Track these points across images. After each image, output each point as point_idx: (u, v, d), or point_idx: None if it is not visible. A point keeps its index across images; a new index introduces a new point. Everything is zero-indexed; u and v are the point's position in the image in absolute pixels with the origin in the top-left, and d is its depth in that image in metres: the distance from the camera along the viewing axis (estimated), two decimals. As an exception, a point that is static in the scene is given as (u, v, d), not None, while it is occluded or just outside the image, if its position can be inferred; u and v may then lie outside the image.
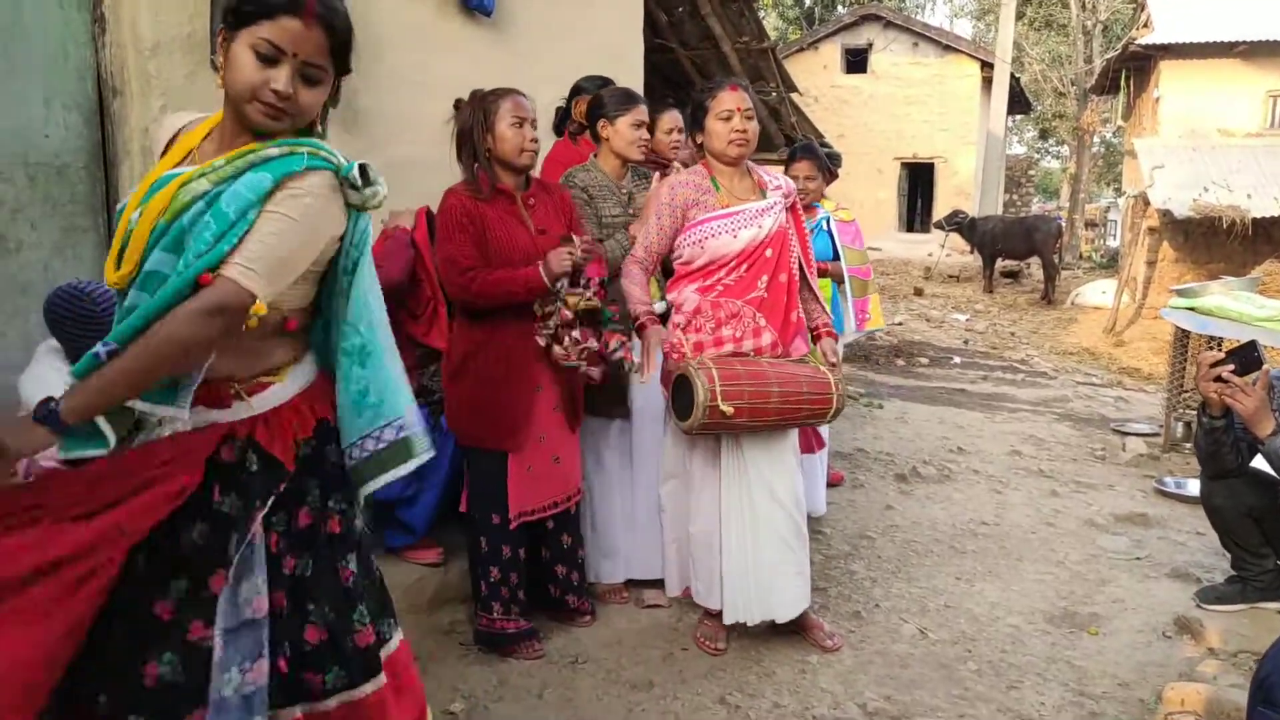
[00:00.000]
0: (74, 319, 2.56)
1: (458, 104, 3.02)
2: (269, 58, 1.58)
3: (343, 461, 1.78)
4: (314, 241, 1.67)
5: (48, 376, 2.50)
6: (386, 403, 1.76)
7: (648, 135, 3.46)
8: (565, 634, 3.25)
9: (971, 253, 16.64)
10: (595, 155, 3.52)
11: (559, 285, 2.86)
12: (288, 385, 1.74)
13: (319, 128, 1.73)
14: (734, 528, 3.05)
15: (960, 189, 21.32)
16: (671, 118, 3.73)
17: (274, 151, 1.61)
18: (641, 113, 3.43)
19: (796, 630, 3.25)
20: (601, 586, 3.53)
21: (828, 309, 3.37)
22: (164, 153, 1.74)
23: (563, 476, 3.13)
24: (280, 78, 1.58)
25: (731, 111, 2.99)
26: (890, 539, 4.32)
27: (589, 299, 2.92)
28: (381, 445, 1.76)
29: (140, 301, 1.56)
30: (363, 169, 1.69)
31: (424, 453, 1.80)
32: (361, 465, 1.77)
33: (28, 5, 3.15)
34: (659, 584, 3.49)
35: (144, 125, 3.32)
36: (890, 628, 3.40)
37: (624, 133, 3.40)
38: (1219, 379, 3.01)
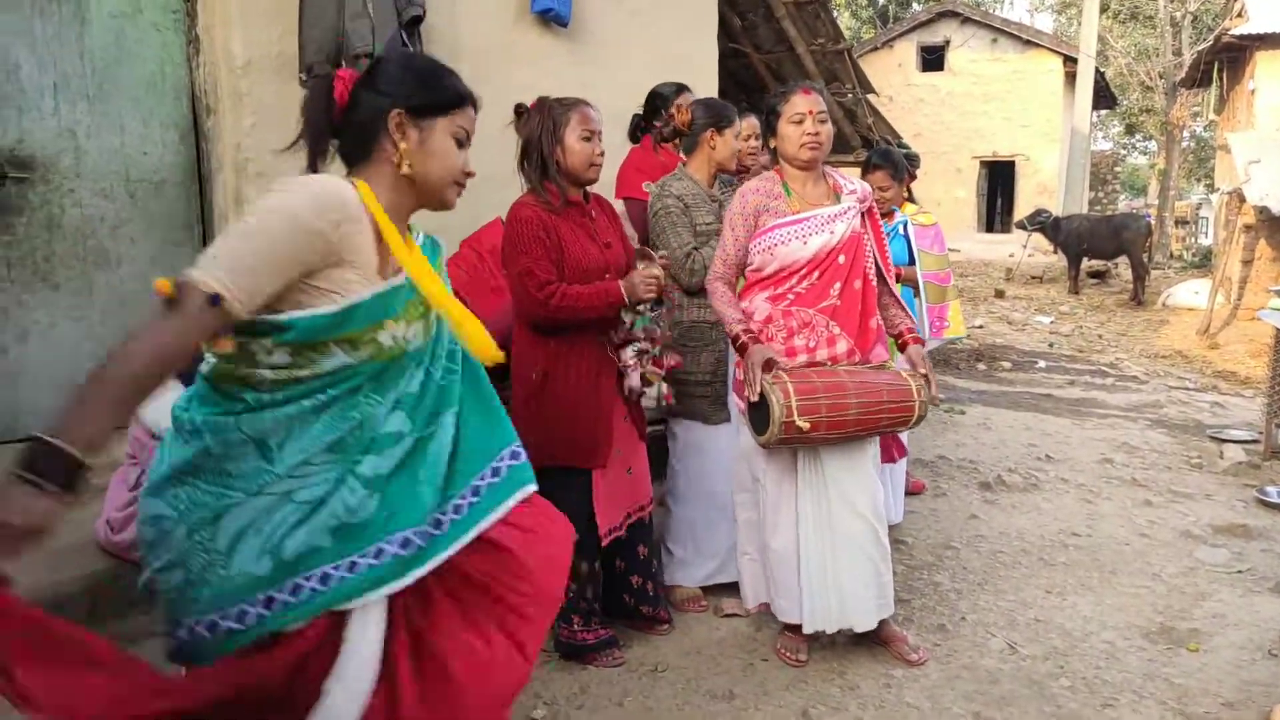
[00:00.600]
0: None
1: (519, 110, 2.93)
2: (462, 143, 1.73)
3: None
4: None
5: (163, 400, 2.59)
6: None
7: (756, 147, 3.48)
8: (645, 642, 3.25)
9: (1055, 253, 16.17)
10: (684, 164, 3.53)
11: (640, 307, 2.87)
12: None
13: None
14: (812, 540, 3.01)
15: (1043, 187, 20.76)
16: (749, 124, 3.71)
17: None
18: (752, 125, 3.46)
19: (880, 643, 3.19)
20: (679, 594, 3.52)
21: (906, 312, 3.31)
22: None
23: (636, 487, 3.13)
24: (468, 159, 1.74)
25: (803, 115, 2.95)
26: (975, 550, 4.21)
27: (658, 321, 2.95)
28: None
29: None
30: None
31: None
32: None
33: (129, 30, 3.29)
34: (738, 589, 3.46)
35: (236, 141, 3.45)
36: (977, 641, 3.31)
37: (731, 144, 3.42)
38: None
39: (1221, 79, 16.13)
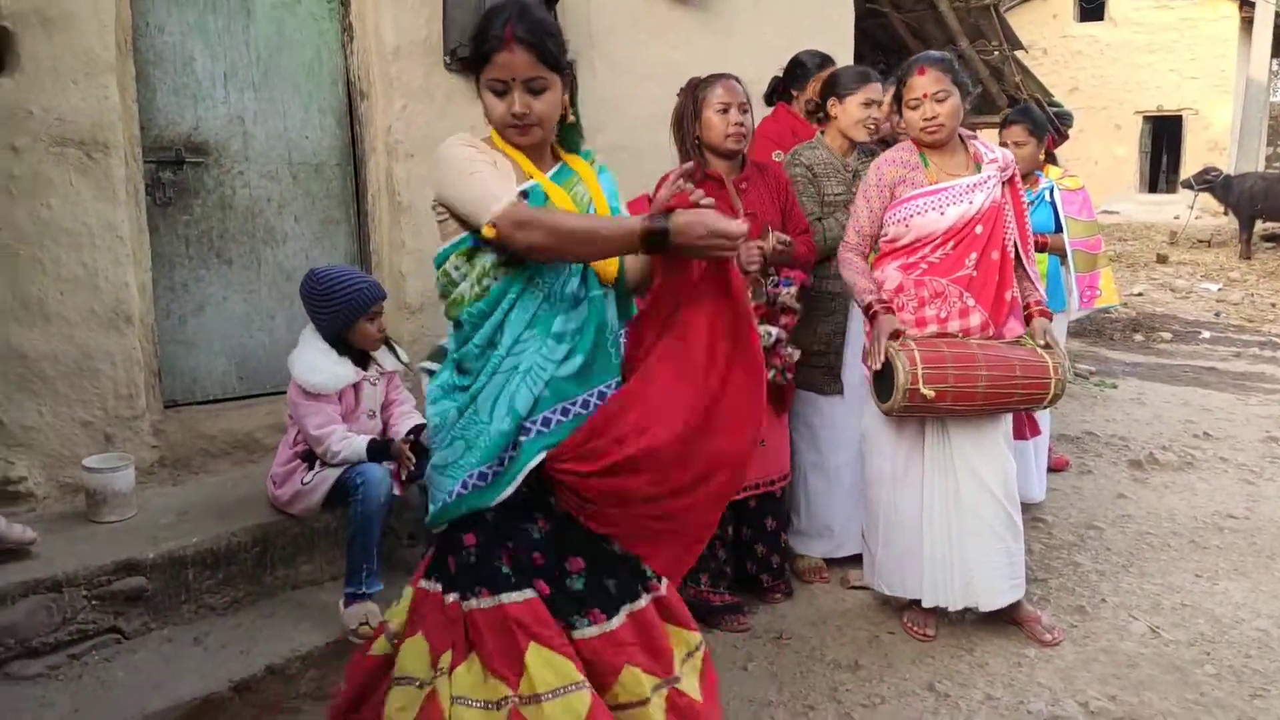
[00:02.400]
0: (309, 297, 2.88)
1: (680, 93, 3.10)
2: (501, 91, 1.83)
3: None
4: None
5: (314, 359, 2.82)
6: None
7: (878, 116, 3.42)
8: (770, 611, 3.30)
9: (1225, 214, 15.03)
10: (822, 133, 3.52)
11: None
12: None
13: (570, 118, 1.98)
14: (938, 514, 2.99)
15: (1213, 143, 19.27)
16: (875, 90, 3.51)
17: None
18: (873, 91, 3.41)
19: (1012, 622, 3.14)
20: (803, 564, 3.56)
21: (1042, 285, 3.20)
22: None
23: (768, 459, 3.17)
24: (514, 102, 1.83)
25: (919, 100, 2.90)
26: (1121, 530, 4.06)
27: (785, 297, 2.97)
28: None
29: None
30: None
31: None
32: None
33: (288, 20, 3.52)
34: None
35: (387, 124, 3.64)
36: (1118, 625, 3.22)
37: (852, 112, 3.39)
38: None
39: None
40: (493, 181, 1.77)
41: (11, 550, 2.59)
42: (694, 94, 2.98)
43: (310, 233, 3.64)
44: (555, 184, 1.89)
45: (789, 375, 3.15)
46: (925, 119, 2.89)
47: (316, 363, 2.81)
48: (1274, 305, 11.00)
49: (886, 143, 3.68)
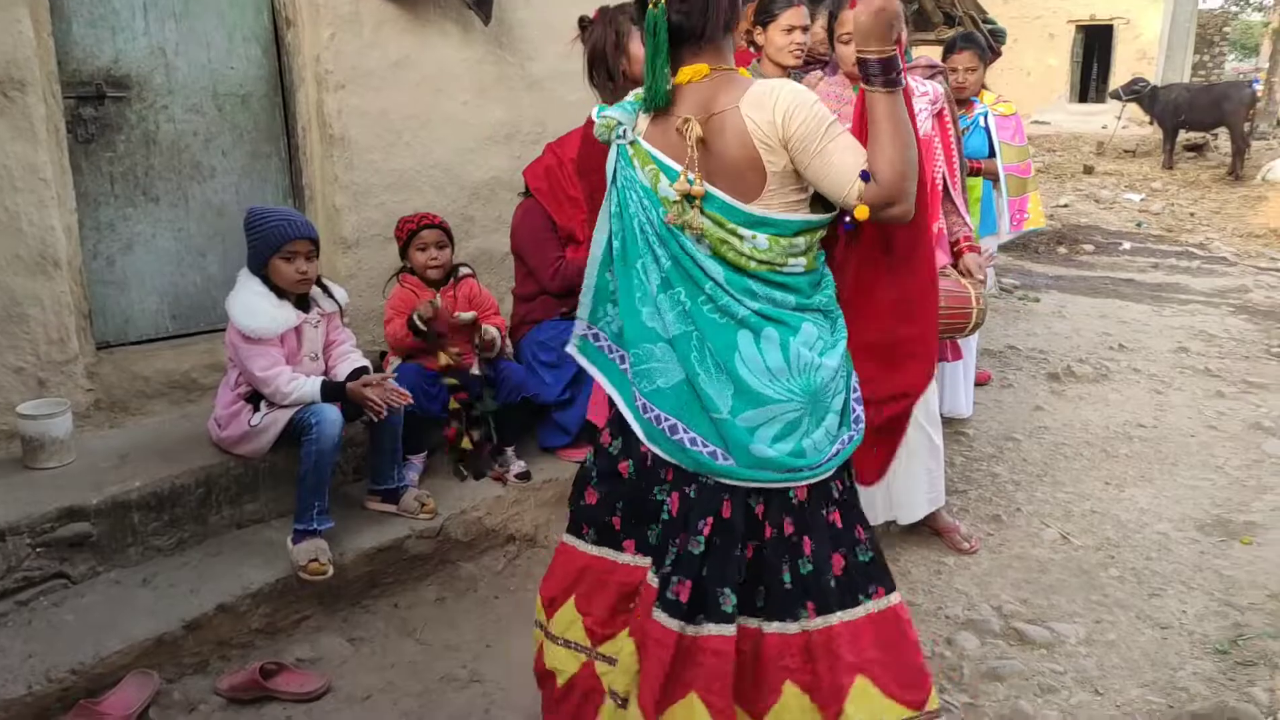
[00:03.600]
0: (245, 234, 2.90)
1: (584, 22, 2.94)
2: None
3: None
4: None
5: (252, 303, 2.81)
6: None
7: (801, 39, 3.40)
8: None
9: (1151, 125, 15.36)
10: (758, 61, 3.51)
11: None
12: None
13: None
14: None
15: (1143, 53, 19.51)
16: (793, 15, 3.44)
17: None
18: (794, 17, 3.36)
19: (934, 532, 3.34)
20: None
21: (969, 214, 3.29)
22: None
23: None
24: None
25: (852, 36, 2.91)
26: (1037, 441, 4.29)
27: None
28: None
29: None
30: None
31: None
32: None
33: (207, -55, 3.38)
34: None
35: (316, 54, 3.55)
36: (1031, 532, 3.44)
37: (775, 39, 3.38)
38: None
39: (1349, -73, 14.74)
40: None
41: (-49, 499, 2.59)
42: (615, 25, 2.82)
43: (239, 167, 3.57)
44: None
45: None
46: (796, 43, 2.91)
47: (255, 306, 2.80)
48: (1193, 215, 11.39)
49: (822, 63, 3.69)
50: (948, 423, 4.10)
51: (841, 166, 1.69)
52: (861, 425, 1.88)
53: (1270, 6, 27.14)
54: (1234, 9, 30.24)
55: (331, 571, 2.72)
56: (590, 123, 2.60)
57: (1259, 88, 14.94)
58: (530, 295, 3.57)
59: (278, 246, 2.80)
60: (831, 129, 1.69)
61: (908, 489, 3.17)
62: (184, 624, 2.53)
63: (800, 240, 1.77)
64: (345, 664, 2.65)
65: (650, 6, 1.71)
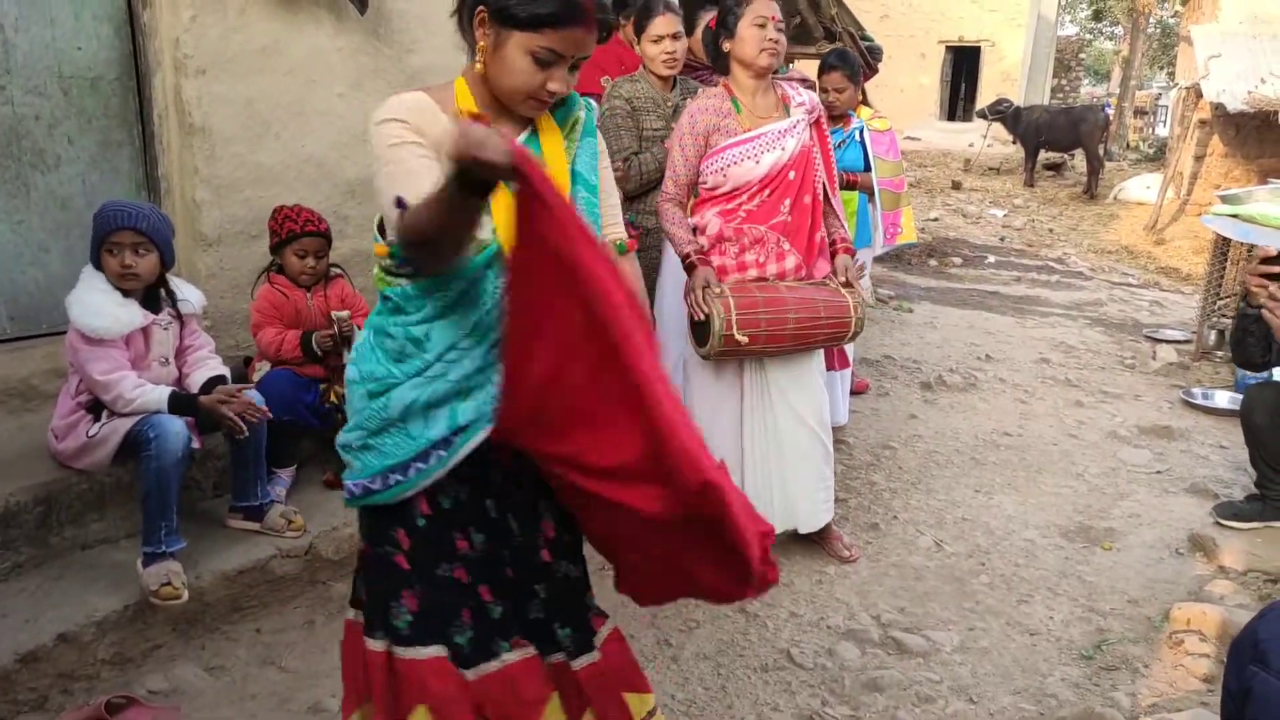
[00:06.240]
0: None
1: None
2: (547, 63, 1.57)
3: None
4: None
5: (94, 301, 2.59)
6: None
7: (670, 48, 3.37)
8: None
9: (1014, 144, 16.18)
10: (644, 65, 3.48)
11: None
12: None
13: None
14: (758, 445, 3.14)
15: (1007, 74, 20.50)
16: (660, 24, 3.38)
17: (582, 114, 1.77)
18: (659, 26, 3.33)
19: (816, 541, 3.36)
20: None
21: (846, 223, 3.33)
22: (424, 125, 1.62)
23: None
24: (557, 78, 1.59)
25: (766, 19, 2.92)
26: (912, 449, 4.40)
27: None
28: None
29: None
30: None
31: None
32: None
33: (52, -86, 3.11)
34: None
35: (174, 36, 3.31)
36: (907, 540, 3.51)
37: (646, 49, 3.36)
38: (1265, 276, 2.89)
39: (1189, -35, 15.85)
40: (399, 179, 1.54)
41: None
42: None
43: (87, 156, 3.29)
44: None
45: None
46: (769, 39, 2.91)
47: (96, 304, 2.57)
48: (1052, 230, 12.02)
49: (704, 69, 3.68)
50: (829, 432, 4.16)
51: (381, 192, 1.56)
52: None
53: (1121, 36, 29.02)
54: (1088, 36, 32.18)
55: (186, 596, 2.52)
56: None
57: (1110, 112, 15.91)
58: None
59: (102, 238, 2.59)
60: (391, 151, 1.56)
61: (804, 497, 3.18)
62: (18, 657, 2.30)
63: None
64: (202, 696, 2.46)
65: None
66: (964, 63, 21.69)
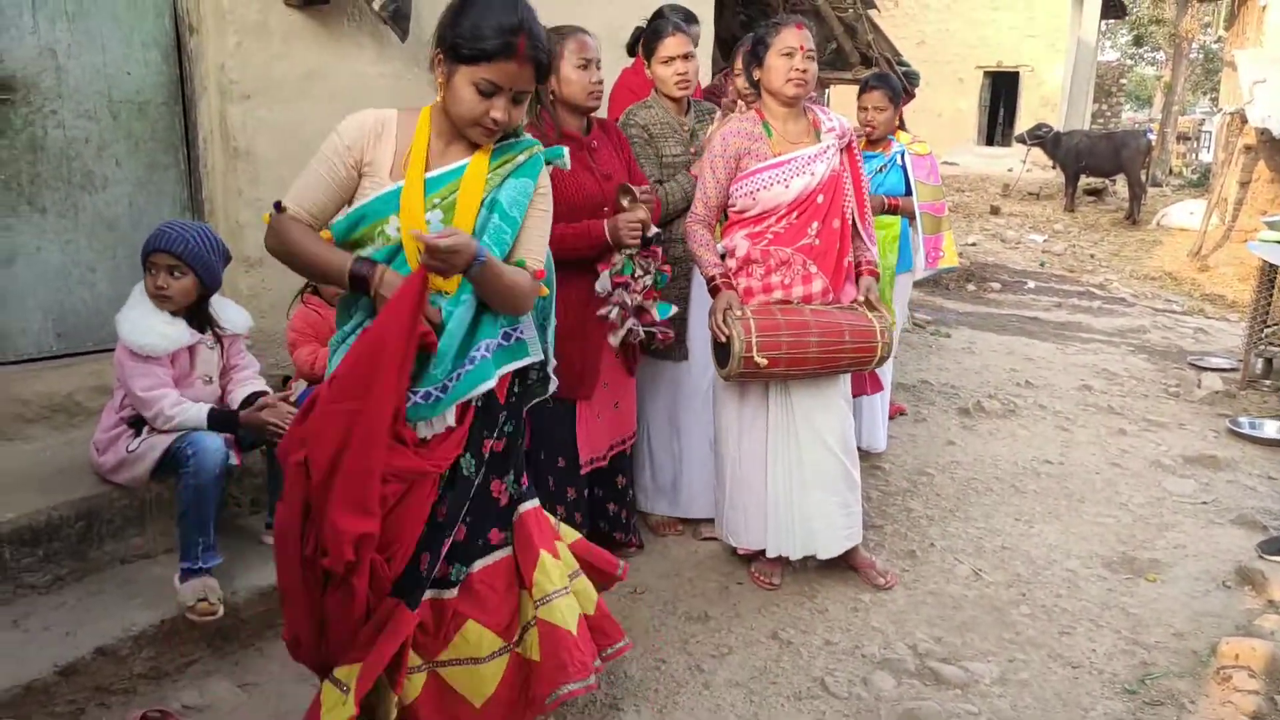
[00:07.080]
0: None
1: None
2: (488, 93, 1.88)
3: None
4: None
5: (143, 319, 2.63)
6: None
7: (682, 69, 3.35)
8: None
9: (1054, 169, 16.01)
10: (655, 91, 3.47)
11: (626, 251, 2.89)
12: None
13: (522, 124, 2.06)
14: (780, 469, 3.11)
15: (1046, 100, 20.35)
16: (670, 46, 3.35)
17: (522, 158, 2.00)
18: (668, 47, 3.30)
19: (850, 568, 3.32)
20: (655, 519, 3.63)
21: (877, 249, 3.30)
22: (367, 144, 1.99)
23: (622, 420, 3.22)
24: (499, 107, 1.90)
25: (794, 49, 2.93)
26: (950, 476, 4.34)
27: (649, 271, 2.96)
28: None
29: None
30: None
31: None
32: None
33: (106, -55, 3.20)
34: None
35: (220, 62, 3.38)
36: (945, 568, 3.45)
37: (658, 72, 3.34)
38: None
39: (1233, -9, 15.67)
40: (302, 183, 1.96)
41: None
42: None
43: (134, 178, 3.37)
44: (416, 190, 1.93)
45: (658, 338, 3.11)
46: (796, 69, 2.92)
47: (145, 322, 2.62)
48: (1093, 256, 11.86)
49: (716, 94, 3.67)
50: (864, 456, 4.12)
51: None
52: None
53: (1163, 61, 28.71)
54: (1129, 62, 31.87)
55: (222, 611, 2.54)
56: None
57: (1153, 138, 15.70)
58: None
59: (144, 257, 2.65)
60: (316, 158, 1.97)
61: (824, 524, 3.14)
62: (58, 669, 2.33)
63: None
64: (236, 711, 2.47)
65: None
66: (1002, 88, 21.56)
